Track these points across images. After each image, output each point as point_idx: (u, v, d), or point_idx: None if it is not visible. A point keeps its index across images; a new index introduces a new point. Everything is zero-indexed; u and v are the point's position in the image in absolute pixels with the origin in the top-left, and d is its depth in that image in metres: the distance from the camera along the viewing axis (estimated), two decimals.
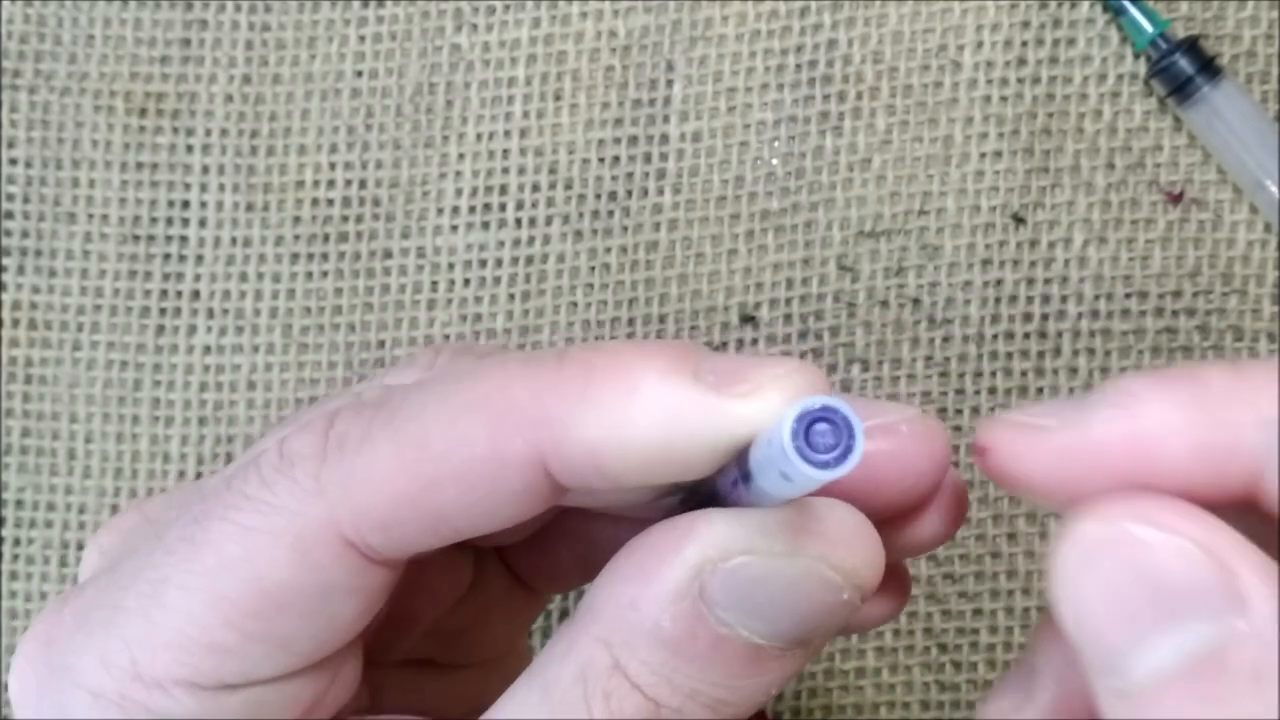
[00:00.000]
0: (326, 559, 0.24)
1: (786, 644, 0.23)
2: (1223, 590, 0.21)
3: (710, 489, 0.23)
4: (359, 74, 0.43)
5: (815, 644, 0.24)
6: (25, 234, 0.43)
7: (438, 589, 0.30)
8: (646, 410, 0.22)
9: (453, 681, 0.31)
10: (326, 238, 0.42)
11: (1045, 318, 0.40)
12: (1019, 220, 0.41)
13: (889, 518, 0.25)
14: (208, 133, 0.43)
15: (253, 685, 0.25)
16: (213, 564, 0.24)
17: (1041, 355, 0.40)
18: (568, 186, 0.42)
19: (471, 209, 0.42)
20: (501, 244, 0.42)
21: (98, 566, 0.27)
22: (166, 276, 0.43)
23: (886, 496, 0.25)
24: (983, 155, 0.41)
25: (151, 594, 0.25)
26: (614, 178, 0.42)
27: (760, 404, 0.22)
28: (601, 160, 0.42)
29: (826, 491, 0.23)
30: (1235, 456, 0.22)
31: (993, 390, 0.40)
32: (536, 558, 0.31)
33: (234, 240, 0.43)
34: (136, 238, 0.43)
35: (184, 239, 0.43)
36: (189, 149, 0.43)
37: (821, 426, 0.21)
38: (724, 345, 0.41)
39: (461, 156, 0.42)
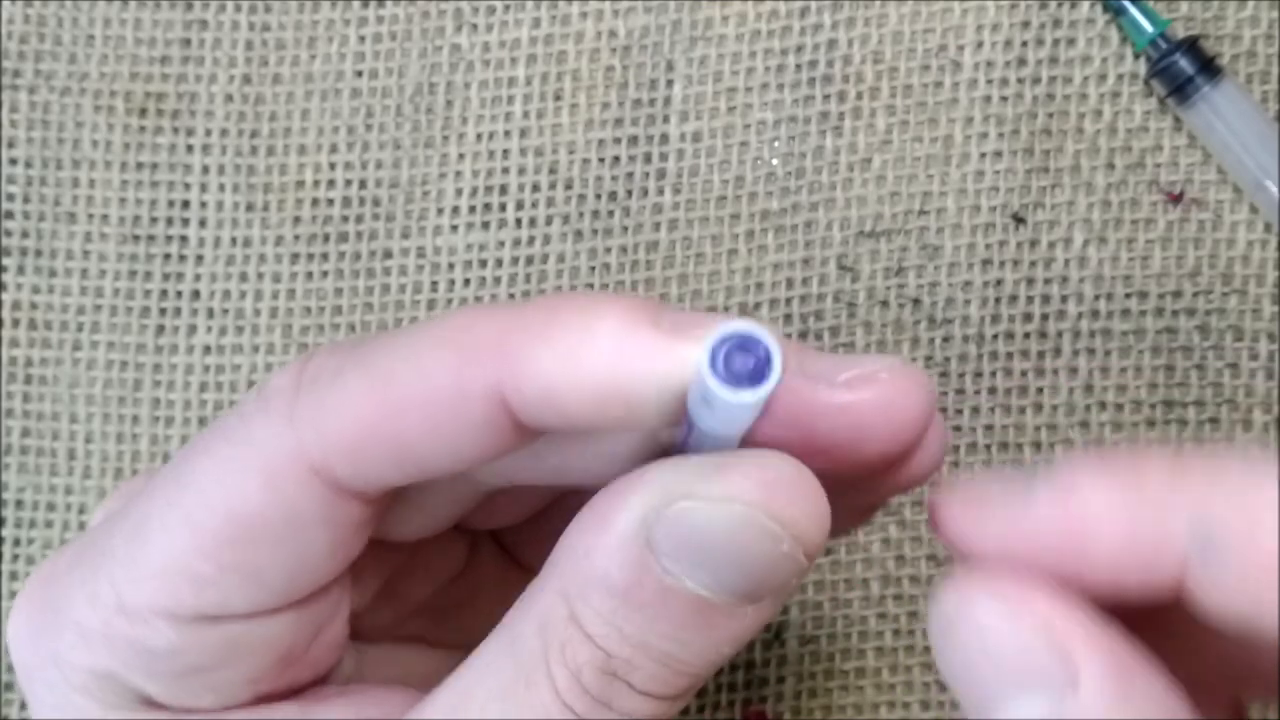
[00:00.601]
0: (294, 488, 0.25)
1: (733, 598, 0.24)
2: (1057, 668, 0.22)
3: (679, 449, 0.24)
4: (359, 74, 0.43)
5: (767, 604, 0.24)
6: (25, 234, 0.43)
7: (431, 568, 0.31)
8: (599, 348, 0.23)
9: (442, 662, 0.32)
10: (326, 238, 0.42)
11: (1045, 318, 0.40)
12: (1019, 220, 0.41)
13: (882, 467, 0.25)
14: (208, 133, 0.43)
15: (231, 620, 0.26)
16: (191, 496, 0.25)
17: (1041, 355, 0.40)
18: (568, 186, 0.42)
19: (471, 209, 0.42)
20: (501, 244, 0.42)
21: None
22: (166, 276, 0.43)
23: (874, 446, 0.25)
24: (983, 155, 0.41)
25: (136, 529, 0.26)
26: (614, 178, 0.42)
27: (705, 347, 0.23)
28: (601, 160, 0.42)
29: (804, 444, 0.23)
30: (1165, 550, 0.23)
31: (993, 390, 0.40)
32: (537, 536, 0.31)
33: (234, 240, 0.43)
34: (136, 238, 0.43)
35: (184, 239, 0.43)
36: (189, 149, 0.43)
37: (743, 355, 0.21)
38: None
39: (461, 156, 0.42)
